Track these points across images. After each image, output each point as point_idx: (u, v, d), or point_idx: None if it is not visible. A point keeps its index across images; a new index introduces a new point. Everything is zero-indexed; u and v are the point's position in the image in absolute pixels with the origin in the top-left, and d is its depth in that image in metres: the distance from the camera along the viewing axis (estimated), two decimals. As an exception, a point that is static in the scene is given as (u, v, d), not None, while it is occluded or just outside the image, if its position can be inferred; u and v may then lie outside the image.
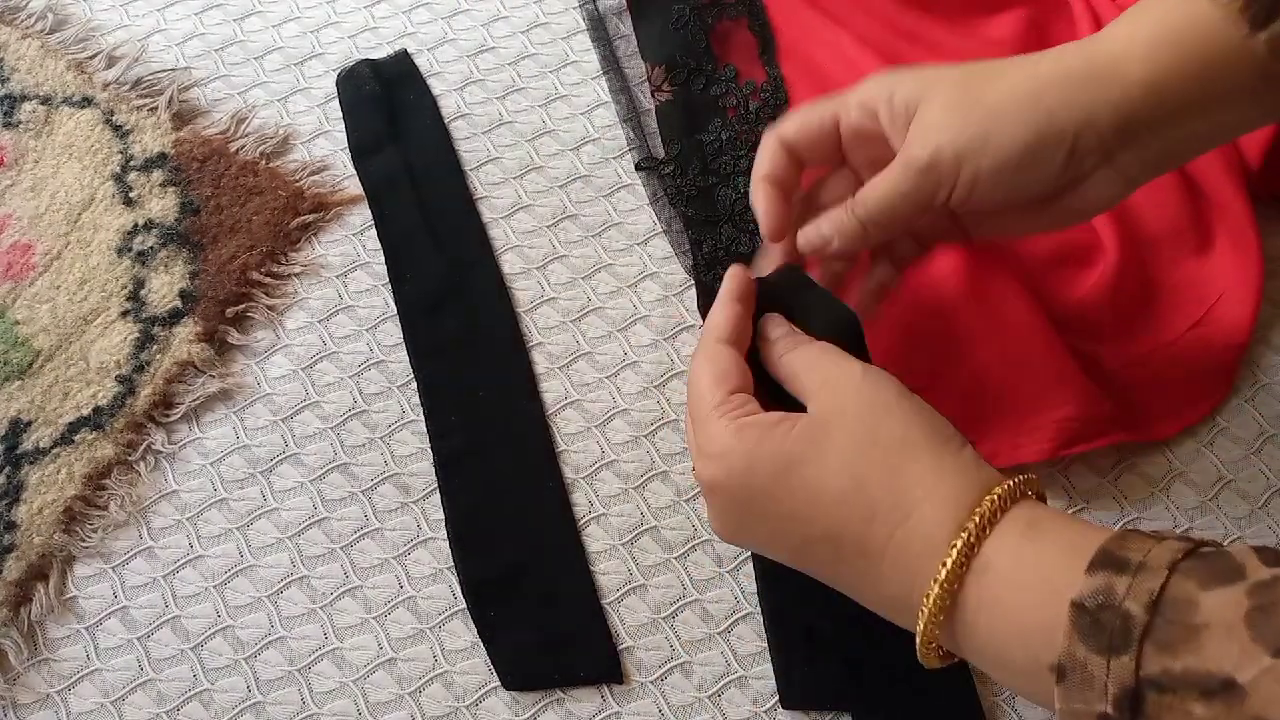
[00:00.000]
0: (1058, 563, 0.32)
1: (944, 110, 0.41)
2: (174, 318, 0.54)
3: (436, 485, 0.50)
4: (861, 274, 0.49)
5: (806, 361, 0.40)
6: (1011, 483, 0.35)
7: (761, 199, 0.45)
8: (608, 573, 0.48)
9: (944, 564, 0.34)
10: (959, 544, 0.34)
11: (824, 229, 0.44)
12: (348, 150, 0.59)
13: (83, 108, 0.61)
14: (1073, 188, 0.42)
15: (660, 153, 0.58)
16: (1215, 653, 0.28)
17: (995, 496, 0.35)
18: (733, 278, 0.43)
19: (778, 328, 0.43)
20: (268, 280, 0.55)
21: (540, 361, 0.53)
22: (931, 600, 0.34)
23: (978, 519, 0.34)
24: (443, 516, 0.49)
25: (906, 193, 0.42)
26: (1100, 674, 0.29)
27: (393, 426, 0.51)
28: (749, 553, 0.48)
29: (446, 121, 0.60)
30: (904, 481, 0.36)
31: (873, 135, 0.43)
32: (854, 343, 0.44)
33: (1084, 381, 0.48)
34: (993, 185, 0.41)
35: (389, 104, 0.60)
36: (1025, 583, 0.33)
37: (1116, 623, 0.29)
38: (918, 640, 0.35)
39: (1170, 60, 0.39)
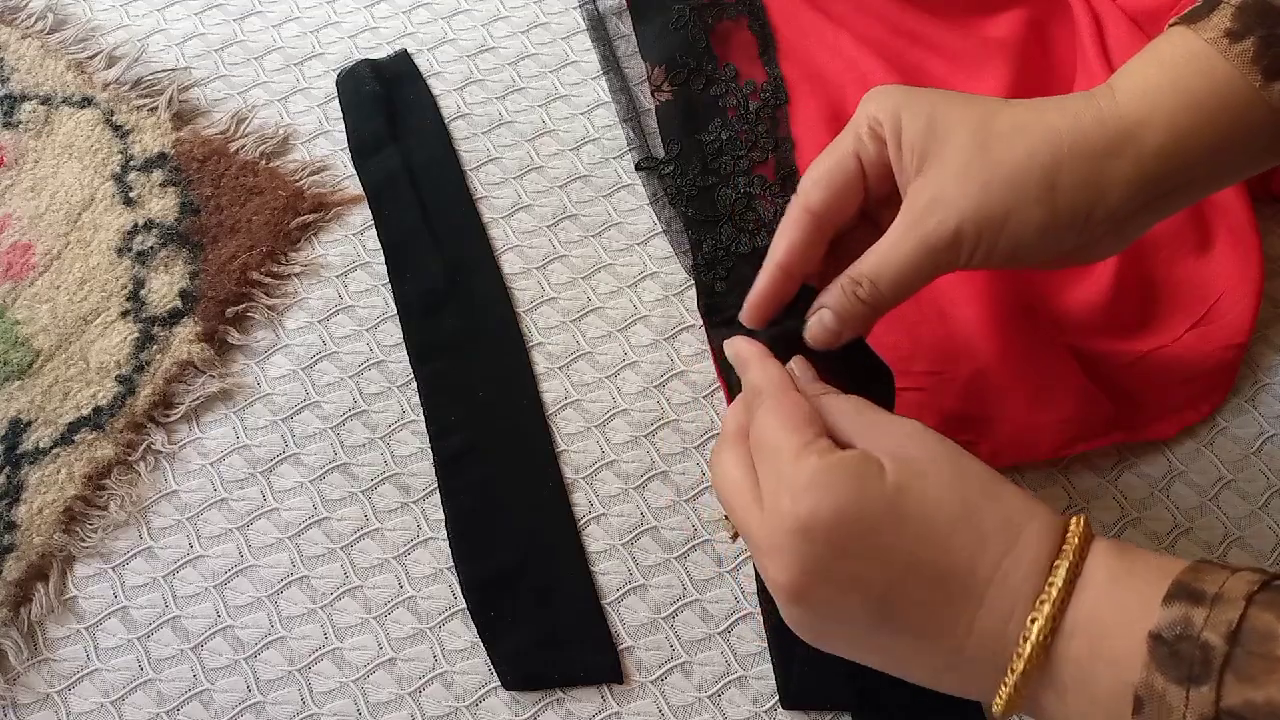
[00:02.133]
0: (1143, 591, 0.32)
1: (961, 179, 0.39)
2: (174, 318, 0.54)
3: (436, 485, 0.50)
4: None
5: (844, 408, 0.38)
6: (1084, 516, 0.35)
7: (766, 283, 0.42)
8: (608, 573, 0.48)
9: (1052, 584, 0.33)
10: (1065, 564, 0.33)
11: (828, 322, 0.41)
12: (348, 150, 0.59)
13: (83, 108, 0.61)
14: (1082, 250, 0.41)
15: (660, 153, 0.58)
16: None
17: (1083, 520, 0.34)
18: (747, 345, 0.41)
19: (806, 369, 0.41)
20: (268, 280, 0.55)
21: (540, 361, 0.53)
22: (1039, 625, 0.32)
23: (1077, 540, 0.34)
24: (443, 516, 0.49)
25: (923, 269, 0.40)
26: (1179, 704, 0.29)
27: (393, 426, 0.51)
28: (749, 553, 0.48)
29: (446, 121, 0.60)
30: (1006, 508, 0.35)
31: (885, 169, 0.41)
32: (886, 398, 0.42)
33: (1084, 382, 0.48)
34: (1008, 258, 0.40)
35: (389, 104, 0.60)
36: (1120, 603, 0.32)
37: (1195, 653, 0.29)
38: (1012, 681, 0.33)
39: (1189, 124, 0.38)
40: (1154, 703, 0.30)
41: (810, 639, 0.37)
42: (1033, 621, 0.33)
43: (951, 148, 0.39)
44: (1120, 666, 0.31)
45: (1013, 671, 0.33)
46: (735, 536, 0.45)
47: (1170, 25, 0.40)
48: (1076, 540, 0.34)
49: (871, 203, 0.43)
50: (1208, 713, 0.29)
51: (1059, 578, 0.33)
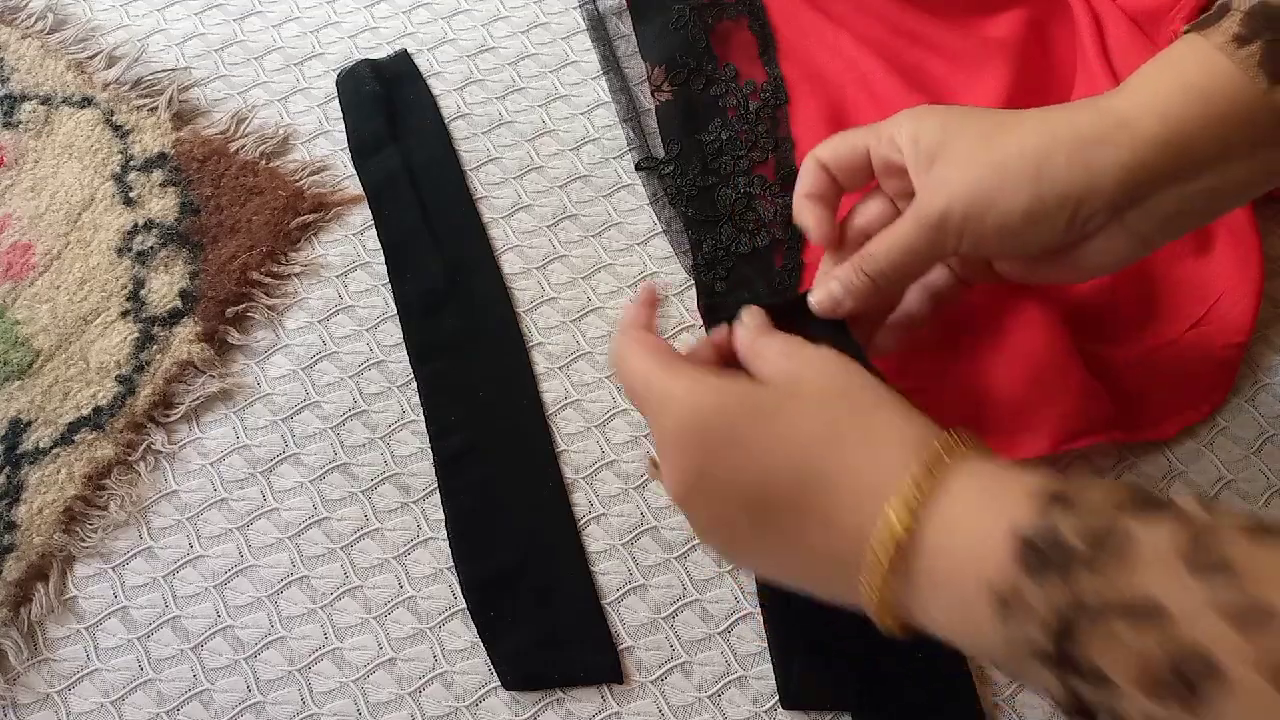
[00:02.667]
0: (1009, 495, 0.33)
1: (959, 165, 0.41)
2: (174, 318, 0.54)
3: (436, 485, 0.50)
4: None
5: (778, 343, 0.40)
6: (965, 432, 0.36)
7: (808, 214, 0.45)
8: (608, 573, 0.48)
9: (904, 481, 0.34)
10: (918, 462, 0.34)
11: (835, 290, 0.44)
12: (348, 150, 0.59)
13: (83, 108, 0.61)
14: (1081, 244, 0.42)
15: (660, 153, 0.58)
16: (1145, 580, 0.29)
17: (954, 432, 0.35)
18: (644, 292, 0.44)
19: (755, 316, 0.42)
20: (268, 280, 0.55)
21: (540, 361, 0.53)
22: (888, 518, 0.33)
23: (938, 445, 0.35)
24: (443, 516, 0.49)
25: (916, 249, 0.42)
26: (1037, 602, 0.30)
27: (393, 426, 0.51)
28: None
29: (446, 121, 0.60)
30: (874, 422, 0.36)
31: (900, 170, 0.44)
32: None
33: (1084, 377, 0.48)
34: (997, 242, 0.42)
35: (389, 104, 0.60)
36: (983, 505, 0.33)
37: (1057, 554, 0.30)
38: (872, 581, 0.34)
39: (1188, 114, 0.39)
40: (1013, 600, 0.31)
41: (713, 546, 0.40)
42: (890, 513, 0.33)
43: (958, 144, 0.41)
44: (982, 565, 0.32)
45: (870, 567, 0.34)
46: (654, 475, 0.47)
47: (1184, 32, 0.41)
48: (937, 445, 0.34)
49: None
50: (1064, 609, 0.29)
51: (910, 475, 0.34)
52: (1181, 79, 0.39)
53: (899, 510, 0.33)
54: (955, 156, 0.41)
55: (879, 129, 0.44)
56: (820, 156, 0.45)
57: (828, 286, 0.44)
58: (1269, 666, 0.26)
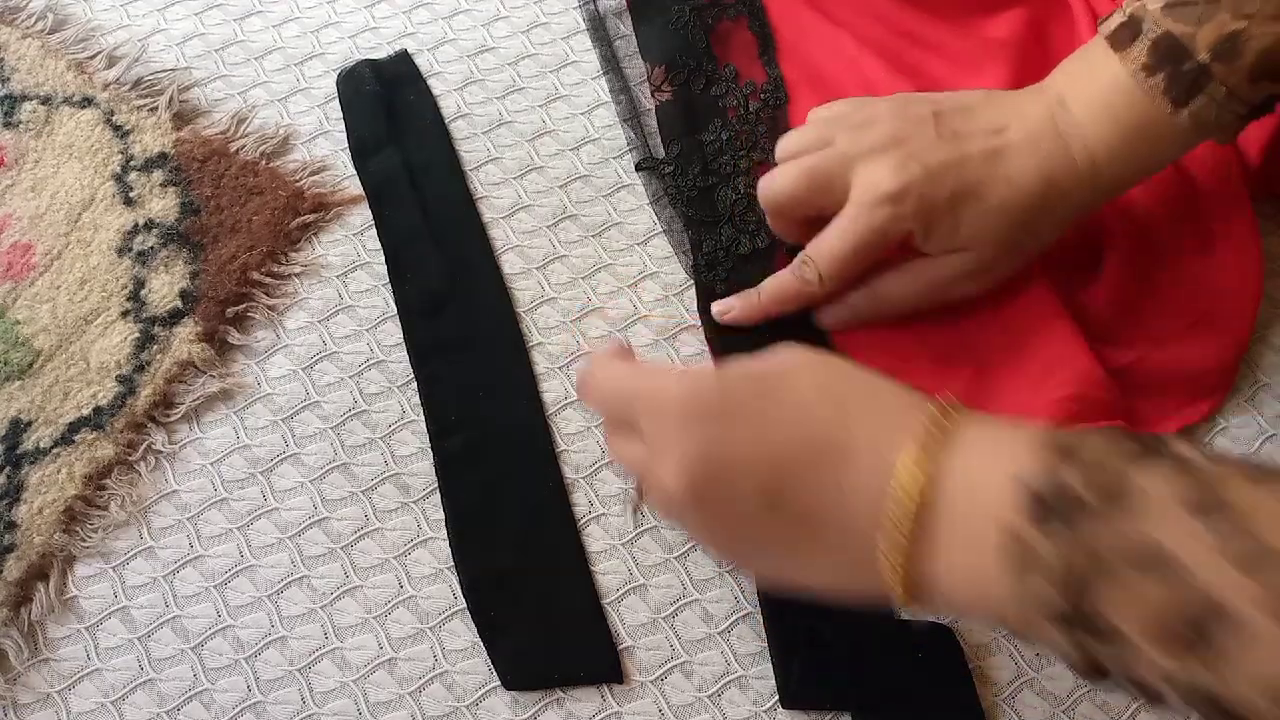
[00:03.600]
0: (1015, 447, 0.33)
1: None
2: (174, 318, 0.54)
3: (436, 485, 0.50)
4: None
5: (743, 357, 0.41)
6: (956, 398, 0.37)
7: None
8: (608, 573, 0.48)
9: (921, 429, 0.34)
10: (929, 417, 0.34)
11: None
12: (348, 150, 0.59)
13: (83, 108, 0.61)
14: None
15: (660, 153, 0.58)
16: (1152, 527, 0.29)
17: (953, 397, 0.36)
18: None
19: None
20: (268, 280, 0.55)
21: (540, 361, 0.53)
22: (902, 478, 0.33)
23: (935, 407, 0.35)
24: (443, 516, 0.49)
25: (866, 229, 0.47)
26: (1049, 557, 0.30)
27: (393, 426, 0.51)
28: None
29: (446, 121, 0.60)
30: (874, 390, 0.37)
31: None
32: None
33: (1086, 364, 0.48)
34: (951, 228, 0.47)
35: (389, 104, 0.60)
36: (992, 456, 0.33)
37: (1065, 504, 0.30)
38: (889, 540, 0.34)
39: (1124, 152, 0.46)
40: (1025, 554, 0.31)
41: (721, 548, 0.40)
42: (905, 468, 0.33)
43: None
44: (995, 518, 0.32)
45: (891, 525, 0.33)
46: (636, 507, 0.48)
47: (1100, 31, 0.46)
48: (940, 403, 0.35)
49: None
50: (1076, 562, 0.29)
51: (922, 426, 0.34)
52: (1113, 111, 0.45)
53: (917, 458, 0.33)
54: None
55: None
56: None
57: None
58: (1278, 609, 0.26)
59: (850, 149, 0.47)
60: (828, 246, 0.48)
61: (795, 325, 0.51)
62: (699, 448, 0.37)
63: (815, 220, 0.49)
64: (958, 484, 0.33)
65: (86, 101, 0.61)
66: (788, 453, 0.36)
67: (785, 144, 0.50)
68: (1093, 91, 0.46)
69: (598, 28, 0.62)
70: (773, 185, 0.49)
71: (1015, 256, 0.49)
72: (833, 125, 0.49)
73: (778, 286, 0.50)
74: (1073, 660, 0.31)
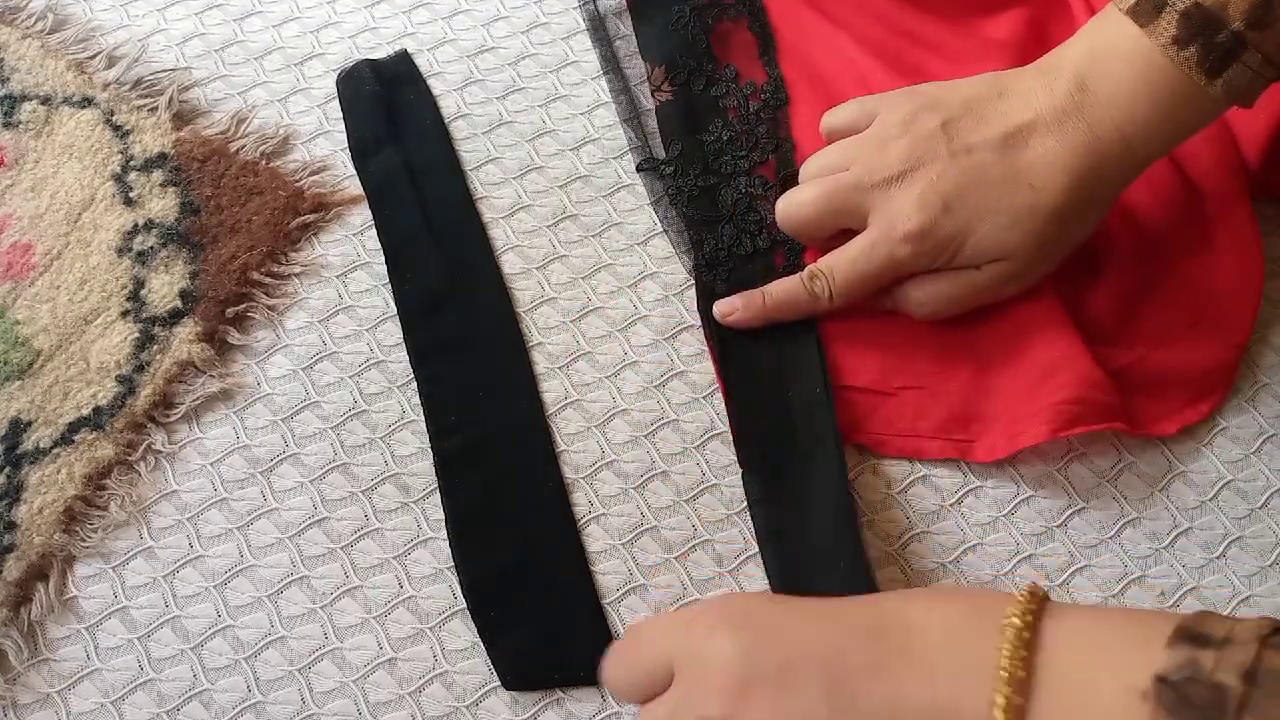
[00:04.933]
0: (1129, 641, 0.30)
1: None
2: (174, 318, 0.54)
3: (436, 485, 0.50)
4: None
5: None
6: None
7: None
8: (608, 573, 0.48)
9: (1005, 645, 0.31)
10: (1015, 621, 0.31)
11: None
12: (348, 150, 0.59)
13: (83, 108, 0.61)
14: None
15: (661, 153, 0.58)
16: None
17: (1031, 587, 0.33)
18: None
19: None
20: (268, 280, 0.55)
21: (540, 361, 0.53)
22: (1002, 680, 0.30)
23: (1025, 599, 0.32)
24: (443, 516, 0.49)
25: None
26: None
27: (393, 426, 0.51)
28: (749, 552, 0.48)
29: (446, 121, 0.60)
30: (930, 590, 0.38)
31: None
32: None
33: (1086, 366, 0.48)
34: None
35: (389, 104, 0.60)
36: (1102, 653, 0.30)
37: (1208, 695, 0.28)
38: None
39: (1153, 119, 0.45)
40: None
41: None
42: (999, 692, 0.30)
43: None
44: (1113, 718, 0.29)
45: None
46: None
47: (1115, 5, 0.46)
48: (1025, 599, 0.32)
49: None
50: None
51: (1008, 642, 0.31)
52: (1151, 91, 0.44)
53: (1005, 686, 0.30)
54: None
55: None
56: None
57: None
58: None
59: (866, 177, 0.48)
60: (844, 268, 0.49)
61: (796, 328, 0.52)
62: (746, 640, 0.33)
63: (836, 235, 0.51)
64: (1062, 691, 0.30)
65: (86, 101, 0.61)
66: (842, 639, 0.33)
67: (807, 169, 0.51)
68: (1120, 70, 0.45)
69: (598, 28, 0.62)
70: (790, 210, 0.50)
71: (1058, 250, 0.49)
72: (850, 150, 0.49)
73: (786, 294, 0.50)
74: None
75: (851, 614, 0.34)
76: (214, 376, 0.53)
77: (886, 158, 0.48)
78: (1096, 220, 0.48)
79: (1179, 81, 0.44)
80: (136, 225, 0.57)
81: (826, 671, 0.33)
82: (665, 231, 0.56)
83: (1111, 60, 0.45)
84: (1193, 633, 0.29)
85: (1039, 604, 0.32)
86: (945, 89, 0.50)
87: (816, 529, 0.47)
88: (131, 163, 0.59)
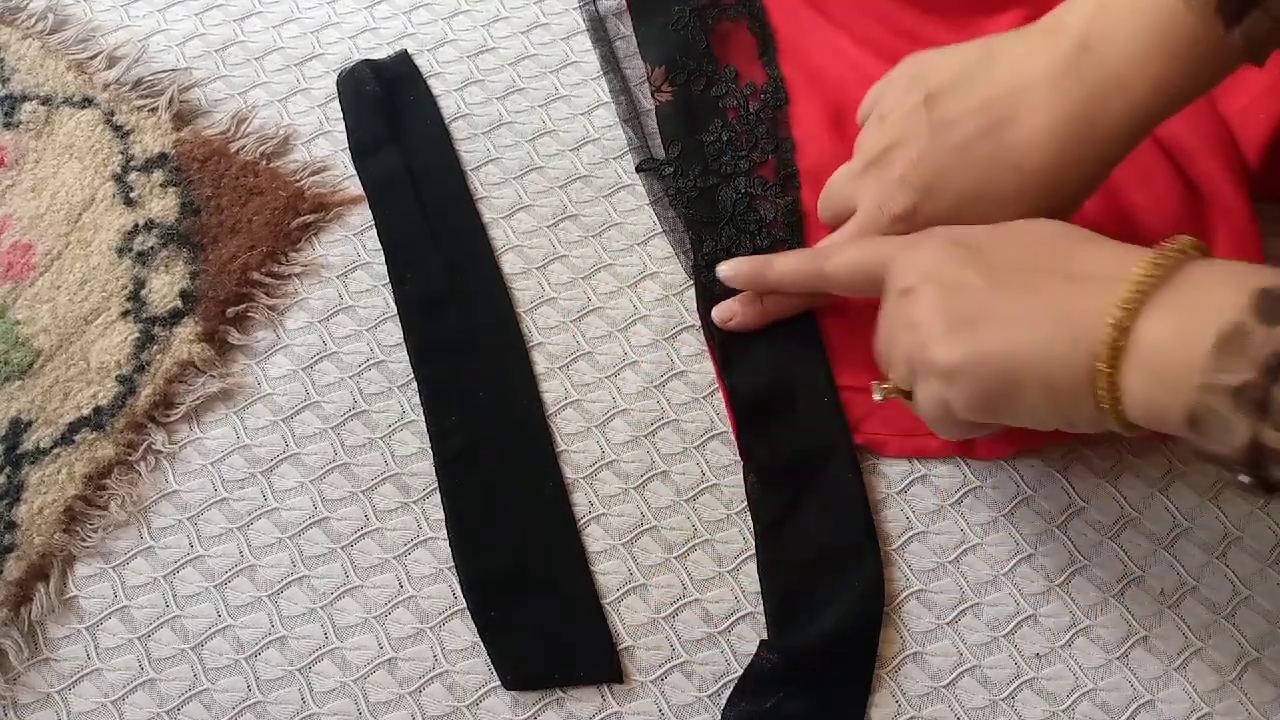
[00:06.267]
0: (1245, 271, 0.35)
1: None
2: (174, 318, 0.54)
3: (436, 485, 0.50)
4: None
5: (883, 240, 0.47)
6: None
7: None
8: (608, 573, 0.48)
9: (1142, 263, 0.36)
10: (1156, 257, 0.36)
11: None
12: (348, 150, 0.59)
13: (83, 108, 0.61)
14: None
15: (661, 153, 0.58)
16: None
17: (1193, 241, 0.38)
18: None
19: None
20: (268, 280, 0.55)
21: (540, 361, 0.53)
22: (1139, 274, 0.36)
23: (1183, 243, 0.37)
24: (443, 516, 0.49)
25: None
26: (1260, 341, 0.32)
27: (393, 426, 0.51)
28: (749, 552, 0.48)
29: (446, 122, 0.60)
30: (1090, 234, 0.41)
31: None
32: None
33: None
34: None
35: (389, 104, 0.60)
36: (1229, 271, 0.36)
37: None
38: (1104, 351, 0.36)
39: (1166, 69, 0.43)
40: (1235, 337, 0.33)
41: (952, 322, 0.41)
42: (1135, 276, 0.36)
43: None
44: (1218, 307, 0.34)
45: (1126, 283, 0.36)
46: (886, 391, 0.45)
47: None
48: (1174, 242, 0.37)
49: None
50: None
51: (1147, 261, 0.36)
52: (1159, 37, 0.42)
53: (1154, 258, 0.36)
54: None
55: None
56: None
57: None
58: None
59: (856, 164, 0.49)
60: (841, 251, 0.48)
61: (796, 327, 0.52)
62: (939, 239, 0.43)
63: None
64: (1189, 280, 0.36)
65: (87, 102, 0.61)
66: (1022, 243, 0.41)
67: (825, 198, 0.52)
68: (1131, 23, 0.43)
69: (598, 28, 0.62)
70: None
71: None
72: (859, 176, 0.49)
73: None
74: (1237, 448, 0.33)
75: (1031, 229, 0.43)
76: (214, 376, 0.53)
77: (871, 140, 0.48)
78: (1082, 199, 0.47)
79: (1195, 29, 0.42)
80: (137, 225, 0.57)
81: (990, 262, 0.41)
82: (665, 232, 0.56)
83: (1122, 12, 0.43)
84: None
85: (1187, 247, 0.37)
86: (936, 57, 0.49)
87: (820, 529, 0.47)
88: (132, 163, 0.59)
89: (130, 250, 0.56)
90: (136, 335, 0.54)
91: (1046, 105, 0.44)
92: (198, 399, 0.52)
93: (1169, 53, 0.42)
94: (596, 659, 0.46)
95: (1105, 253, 0.39)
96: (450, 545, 0.48)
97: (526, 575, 0.48)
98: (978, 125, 0.45)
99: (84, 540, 0.49)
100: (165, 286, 0.55)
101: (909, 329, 0.42)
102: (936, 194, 0.46)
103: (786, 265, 0.50)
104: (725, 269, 0.51)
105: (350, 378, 0.53)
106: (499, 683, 0.45)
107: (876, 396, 0.45)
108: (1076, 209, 0.47)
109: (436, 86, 0.61)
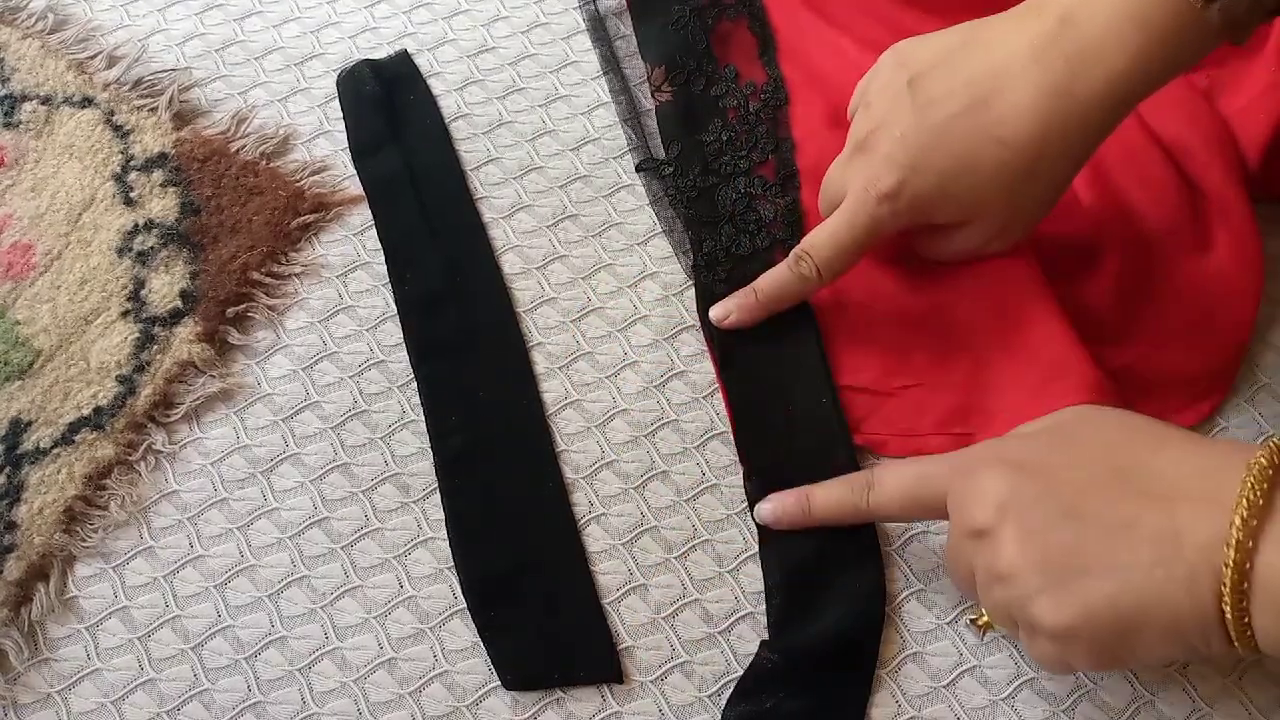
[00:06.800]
0: None
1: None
2: (174, 318, 0.54)
3: (436, 485, 0.50)
4: None
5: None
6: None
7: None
8: (608, 573, 0.48)
9: (1249, 478, 0.34)
10: (1262, 460, 0.35)
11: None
12: (348, 150, 0.59)
13: (83, 108, 0.61)
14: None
15: (661, 153, 0.58)
16: None
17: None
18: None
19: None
20: (268, 280, 0.55)
21: (540, 361, 0.53)
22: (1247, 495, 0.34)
23: (1275, 447, 0.35)
24: (443, 516, 0.49)
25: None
26: None
27: (393, 426, 0.51)
28: (749, 552, 0.48)
29: (446, 122, 0.60)
30: (1169, 431, 0.39)
31: None
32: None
33: (1088, 370, 0.48)
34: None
35: (389, 104, 0.60)
36: None
37: None
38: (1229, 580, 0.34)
39: (1148, 61, 0.43)
40: None
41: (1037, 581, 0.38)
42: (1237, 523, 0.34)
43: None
44: None
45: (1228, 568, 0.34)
46: (984, 626, 0.45)
47: None
48: (1275, 446, 0.35)
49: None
50: None
51: (1257, 465, 0.34)
52: (1139, 10, 0.42)
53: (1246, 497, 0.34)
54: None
55: None
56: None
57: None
58: None
59: (845, 152, 0.50)
60: (826, 242, 0.49)
61: (794, 322, 0.51)
62: (1007, 472, 0.39)
63: None
64: None
65: (86, 101, 0.61)
66: (1104, 465, 0.38)
67: (822, 192, 0.52)
68: (1122, 21, 0.43)
69: (598, 28, 0.62)
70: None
71: (1033, 206, 0.48)
72: (847, 171, 0.50)
73: (775, 283, 0.50)
74: None
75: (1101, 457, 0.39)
76: (214, 376, 0.53)
77: (858, 124, 0.49)
78: (1069, 175, 0.47)
79: (1176, 3, 0.42)
80: (137, 225, 0.57)
81: (1068, 492, 0.38)
82: (665, 232, 0.56)
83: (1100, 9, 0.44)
84: None
85: (1275, 454, 0.35)
86: (919, 44, 0.49)
87: (820, 530, 0.47)
88: (132, 163, 0.59)
89: (130, 250, 0.56)
90: (136, 335, 0.54)
91: (1028, 78, 0.44)
92: (198, 399, 0.52)
93: (1149, 26, 0.42)
94: (596, 659, 0.46)
95: (1188, 462, 0.37)
96: (450, 545, 0.48)
97: (526, 575, 0.48)
98: (961, 102, 0.45)
99: (84, 540, 0.49)
100: (165, 286, 0.55)
101: (998, 581, 0.39)
102: (922, 171, 0.46)
103: (829, 504, 0.46)
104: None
105: (350, 378, 0.53)
106: (499, 683, 0.45)
107: (979, 635, 0.46)
108: (1065, 188, 0.48)
109: (436, 86, 0.61)
